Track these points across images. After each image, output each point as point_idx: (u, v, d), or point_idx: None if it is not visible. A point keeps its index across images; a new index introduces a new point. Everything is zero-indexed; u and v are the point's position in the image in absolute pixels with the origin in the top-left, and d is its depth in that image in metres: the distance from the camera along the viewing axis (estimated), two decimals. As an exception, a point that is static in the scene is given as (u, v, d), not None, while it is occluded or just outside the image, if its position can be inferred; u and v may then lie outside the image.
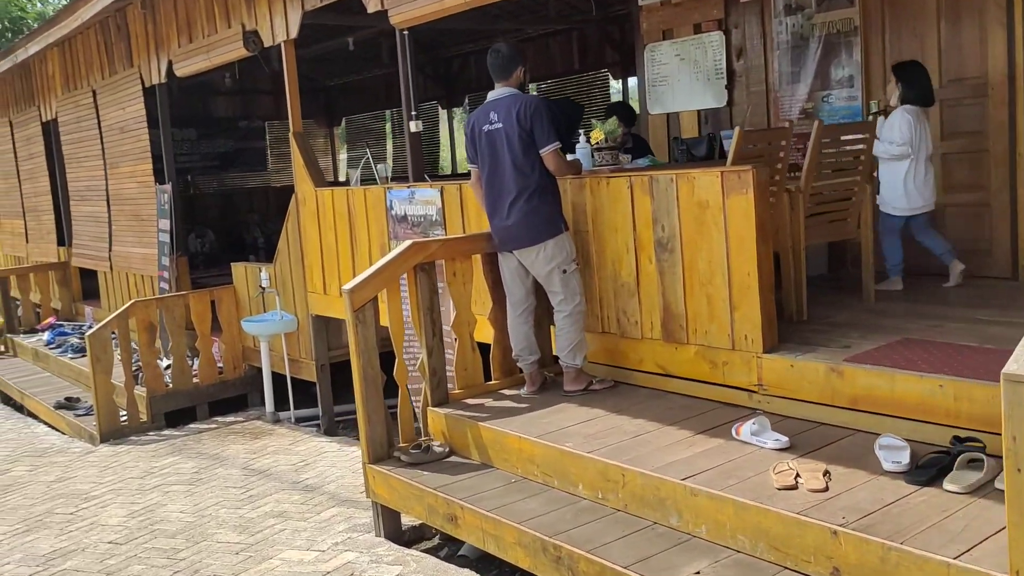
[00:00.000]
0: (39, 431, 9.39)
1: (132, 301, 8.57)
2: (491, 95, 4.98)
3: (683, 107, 7.43)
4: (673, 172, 4.73)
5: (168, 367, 8.73)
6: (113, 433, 8.34)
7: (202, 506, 6.08)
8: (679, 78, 7.36)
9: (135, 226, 10.67)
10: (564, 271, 4.93)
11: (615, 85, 12.66)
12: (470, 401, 5.11)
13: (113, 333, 8.48)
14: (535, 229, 4.88)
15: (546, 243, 4.88)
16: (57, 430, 9.26)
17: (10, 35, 27.71)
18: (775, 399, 4.32)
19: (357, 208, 7.05)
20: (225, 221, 13.45)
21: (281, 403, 8.57)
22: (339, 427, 8.21)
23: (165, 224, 9.71)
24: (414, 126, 6.43)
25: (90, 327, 11.69)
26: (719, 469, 3.75)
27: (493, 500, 4.20)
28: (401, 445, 4.94)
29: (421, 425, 5.13)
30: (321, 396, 7.99)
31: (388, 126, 17.73)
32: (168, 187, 9.64)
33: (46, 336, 11.60)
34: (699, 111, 7.37)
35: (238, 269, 8.90)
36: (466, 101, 15.72)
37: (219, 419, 8.69)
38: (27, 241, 14.14)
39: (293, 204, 7.91)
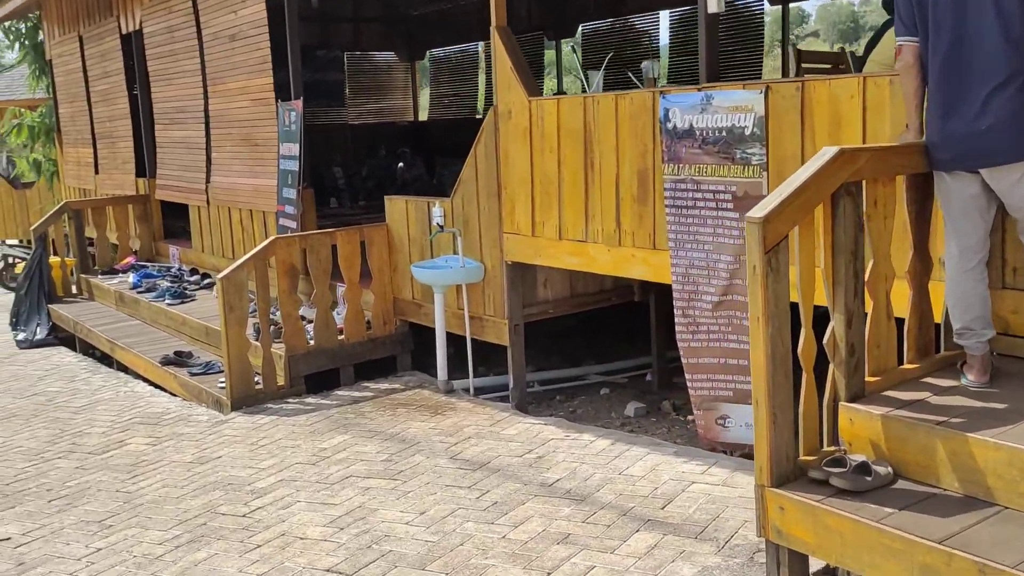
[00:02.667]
0: (141, 390, 7.67)
1: (272, 238, 6.79)
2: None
3: None
4: None
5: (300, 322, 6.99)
6: (246, 399, 6.62)
7: (433, 515, 4.36)
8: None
9: (245, 153, 8.87)
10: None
11: None
12: (894, 394, 3.35)
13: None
14: (1026, 136, 3.11)
15: (1042, 158, 3.12)
16: (165, 390, 7.55)
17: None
18: None
19: (603, 121, 5.25)
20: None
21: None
22: (531, 400, 6.49)
23: (291, 149, 7.90)
24: (713, 4, 4.59)
25: (179, 270, 9.96)
26: None
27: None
28: (806, 459, 3.20)
29: (826, 427, 3.38)
30: (514, 363, 6.24)
31: (482, 61, 15.79)
32: (297, 104, 7.82)
33: (131, 278, 9.84)
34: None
35: (395, 204, 7.10)
36: (579, 31, 13.82)
37: (370, 385, 6.96)
38: (96, 172, 12.34)
39: (489, 121, 6.09)
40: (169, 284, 9.47)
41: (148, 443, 6.11)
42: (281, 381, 6.79)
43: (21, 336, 10.09)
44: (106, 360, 9.32)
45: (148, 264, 10.57)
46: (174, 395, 7.38)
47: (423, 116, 16.74)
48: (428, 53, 16.49)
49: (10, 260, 15.62)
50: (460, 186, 6.44)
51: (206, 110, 9.54)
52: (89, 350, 9.56)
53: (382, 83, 16.10)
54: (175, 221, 11.29)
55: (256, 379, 6.71)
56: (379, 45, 15.92)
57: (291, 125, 7.93)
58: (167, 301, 8.85)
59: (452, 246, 6.56)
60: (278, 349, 6.79)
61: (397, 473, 4.98)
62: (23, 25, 13.99)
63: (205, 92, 9.48)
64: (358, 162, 12.85)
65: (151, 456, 5.80)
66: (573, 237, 5.54)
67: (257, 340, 6.75)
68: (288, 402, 6.68)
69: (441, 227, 6.41)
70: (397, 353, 7.32)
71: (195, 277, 9.66)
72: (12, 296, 14.66)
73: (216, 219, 9.61)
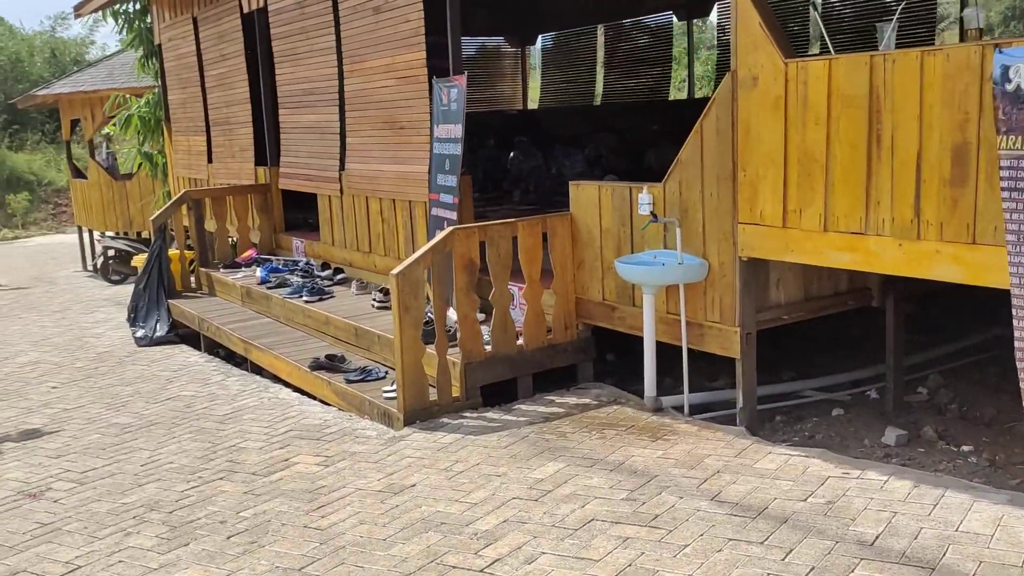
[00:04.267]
0: (287, 397, 6.81)
1: (451, 228, 5.84)
2: None
3: None
4: None
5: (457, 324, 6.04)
6: (419, 412, 5.70)
7: (742, 586, 3.36)
8: None
9: (388, 137, 7.97)
10: None
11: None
12: None
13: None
14: None
15: None
16: (314, 398, 6.69)
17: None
18: None
19: (900, 85, 4.19)
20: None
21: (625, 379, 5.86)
22: (764, 421, 5.45)
23: (450, 131, 6.97)
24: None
25: (308, 264, 9.12)
26: None
27: None
28: None
29: None
30: (744, 378, 5.20)
31: (600, 46, 14.75)
32: (460, 80, 6.88)
33: (259, 272, 9.03)
34: None
35: (583, 191, 6.11)
36: (715, 9, 12.71)
37: (555, 399, 6.00)
38: (209, 161, 11.60)
39: (723, 91, 5.07)
40: (300, 279, 8.63)
41: (318, 463, 5.22)
42: (456, 392, 5.86)
43: (140, 333, 9.36)
44: (231, 358, 8.54)
45: (271, 257, 9.76)
46: (327, 404, 6.50)
47: (532, 104, 15.78)
48: (539, 38, 15.54)
49: (110, 253, 15.07)
50: (677, 169, 5.43)
51: (341, 91, 8.68)
52: (214, 349, 8.78)
53: (491, 70, 15.18)
54: (295, 212, 10.51)
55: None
56: (488, 30, 15.01)
57: (451, 104, 7.00)
58: (304, 298, 7.99)
59: (662, 239, 5.55)
60: (452, 356, 5.87)
61: (652, 518, 3.99)
62: (131, 7, 13.33)
63: (340, 72, 8.62)
64: (466, 152, 11.92)
65: (329, 481, 4.90)
66: (845, 228, 4.49)
67: (429, 345, 5.83)
68: (465, 416, 5.75)
69: (655, 217, 5.39)
70: (578, 362, 6.34)
71: (326, 272, 8.81)
72: (113, 289, 14.10)
73: (350, 209, 8.75)
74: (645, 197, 5.46)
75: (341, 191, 8.82)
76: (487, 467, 4.84)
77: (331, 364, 6.66)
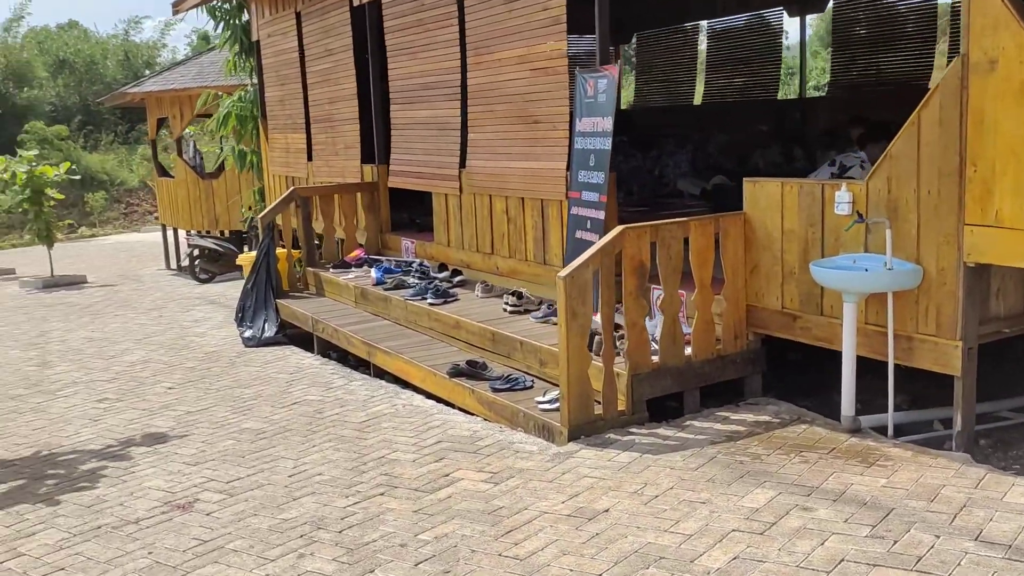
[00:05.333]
0: (422, 405, 6.36)
1: (621, 228, 5.34)
2: None
3: None
4: None
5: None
6: (584, 427, 5.20)
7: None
8: None
9: (520, 132, 7.50)
10: None
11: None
12: None
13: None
14: None
15: None
16: (452, 406, 6.24)
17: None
18: None
19: None
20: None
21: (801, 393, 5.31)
22: (985, 445, 4.86)
23: (597, 124, 6.48)
24: None
25: (422, 265, 8.69)
26: None
27: None
28: None
29: None
30: (964, 398, 4.62)
31: (702, 43, 14.18)
32: (611, 70, 6.40)
33: (373, 273, 8.62)
34: None
35: (762, 188, 5.57)
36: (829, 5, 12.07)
37: (729, 415, 5.45)
38: (309, 159, 11.26)
39: (951, 77, 4.49)
40: (417, 281, 8.20)
41: (484, 480, 4.75)
42: (621, 406, 5.36)
43: (248, 333, 9.01)
44: (343, 360, 8.14)
45: (381, 258, 9.36)
46: (468, 413, 6.04)
47: (623, 104, 15.25)
48: (635, 36, 15.02)
49: (194, 253, 14.85)
50: (885, 164, 4.86)
51: (463, 85, 8.24)
52: (327, 351, 8.40)
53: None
54: (399, 211, 10.11)
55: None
56: (584, 27, 14.52)
57: (599, 95, 6.52)
58: (428, 300, 7.55)
59: (862, 242, 4.99)
60: (618, 367, 5.36)
61: (916, 561, 3.44)
62: (227, 4, 13.08)
63: (463, 65, 8.18)
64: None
65: (505, 501, 4.43)
66: (1115, 231, 3.91)
67: (595, 354, 5.33)
68: (633, 432, 5.24)
69: (860, 217, 4.84)
70: (746, 374, 5.80)
71: (444, 274, 8.37)
72: (202, 288, 13.85)
73: (470, 208, 8.30)
74: (844, 195, 4.92)
75: (460, 189, 8.38)
76: (684, 492, 4.33)
77: (472, 371, 6.20)
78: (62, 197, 16.31)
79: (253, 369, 7.95)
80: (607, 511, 4.19)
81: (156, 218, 35.22)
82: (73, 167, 16.42)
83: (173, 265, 17.71)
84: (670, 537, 3.85)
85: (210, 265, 14.66)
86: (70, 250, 21.81)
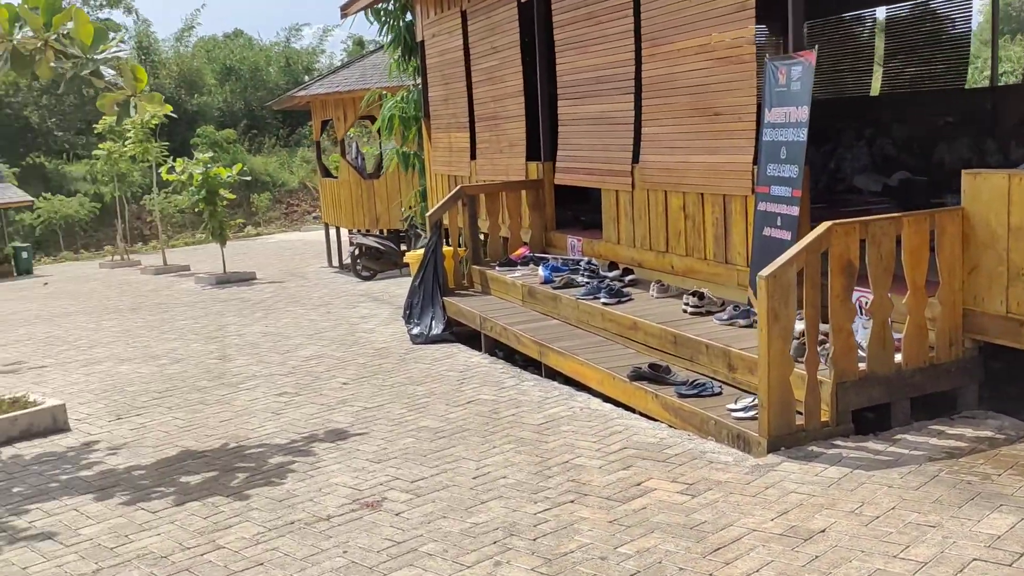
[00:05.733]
0: (600, 408, 6.14)
1: (828, 224, 4.96)
2: None
3: None
4: None
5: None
6: (784, 438, 4.84)
7: None
8: None
9: (699, 125, 7.17)
10: None
11: None
12: None
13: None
14: None
15: None
16: (632, 411, 5.99)
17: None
18: None
19: None
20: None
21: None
22: None
23: (790, 114, 6.07)
24: None
25: (590, 263, 8.48)
26: None
27: None
28: None
29: None
30: None
31: (879, 31, 13.34)
32: (808, 56, 5.99)
33: (541, 271, 8.50)
34: None
35: (987, 181, 5.02)
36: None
37: (942, 429, 4.96)
38: (472, 157, 11.27)
39: None
40: (587, 279, 8.00)
41: (680, 491, 4.48)
42: (825, 416, 4.97)
43: (416, 330, 9.07)
44: (510, 359, 8.04)
45: (547, 256, 9.22)
46: (650, 419, 5.78)
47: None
48: (804, 25, 14.30)
49: (357, 251, 15.19)
50: None
51: (637, 78, 7.98)
52: (494, 349, 8.32)
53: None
54: (561, 209, 9.94)
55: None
56: (759, 15, 13.94)
57: (791, 84, 6.11)
58: (602, 300, 7.34)
59: (1113, 240, 4.42)
60: (822, 374, 4.97)
61: None
62: (391, 5, 13.30)
63: (637, 56, 7.91)
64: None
65: (707, 516, 4.14)
66: None
67: (796, 359, 4.97)
68: (839, 446, 4.84)
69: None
70: (961, 385, 5.28)
71: (614, 273, 8.13)
72: (365, 285, 14.15)
73: (642, 205, 8.02)
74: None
75: (632, 185, 8.12)
76: (908, 513, 3.92)
77: (654, 375, 5.93)
78: (234, 197, 17.06)
79: (423, 366, 7.96)
80: (824, 531, 3.84)
81: (316, 218, 36.59)
82: (245, 168, 17.17)
83: (335, 263, 18.26)
84: (902, 564, 3.47)
85: (372, 263, 14.97)
86: (238, 248, 22.93)
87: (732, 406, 5.28)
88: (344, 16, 12.99)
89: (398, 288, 13.32)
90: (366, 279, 14.87)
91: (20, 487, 5.54)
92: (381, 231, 16.21)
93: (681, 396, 5.60)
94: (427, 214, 9.63)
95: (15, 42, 6.07)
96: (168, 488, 5.28)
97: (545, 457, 5.23)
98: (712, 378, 5.82)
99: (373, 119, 18.18)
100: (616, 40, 8.20)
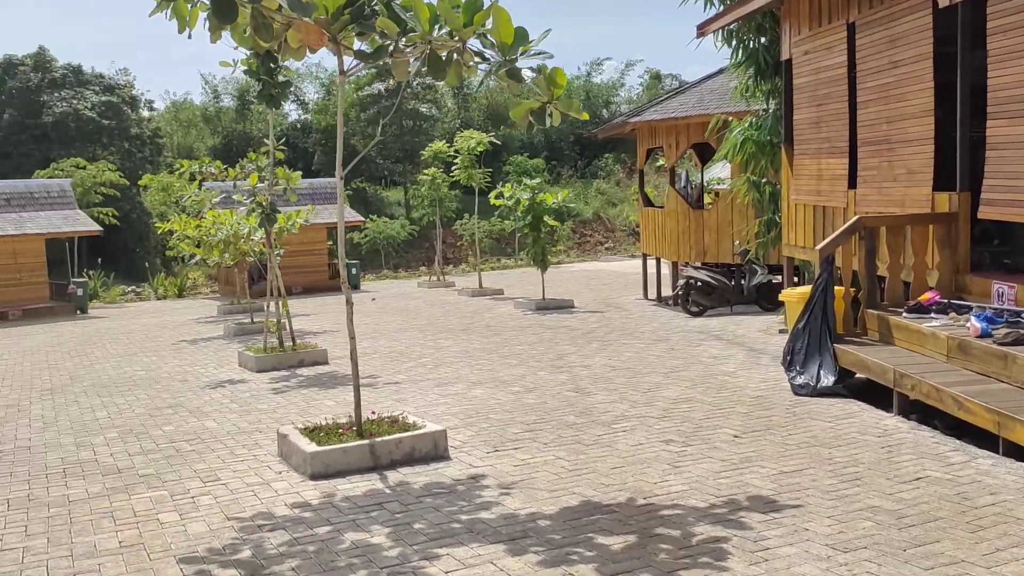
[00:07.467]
0: (1120, 511, 4.62)
1: None
2: None
3: None
4: None
5: None
6: None
7: None
8: None
9: None
10: None
11: None
12: None
13: None
14: None
15: None
16: None
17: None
18: None
19: None
20: None
21: None
22: None
23: None
24: None
25: (1037, 316, 6.78)
26: None
27: None
28: None
29: None
30: None
31: None
32: None
33: (975, 322, 6.97)
34: None
35: None
36: None
37: None
38: (851, 186, 9.89)
39: None
40: (1044, 336, 6.39)
41: None
42: None
43: (800, 380, 7.83)
44: (925, 422, 6.59)
45: (969, 304, 7.64)
46: None
47: None
48: None
49: (684, 285, 14.19)
50: None
51: None
52: (908, 412, 6.91)
53: None
54: (975, 248, 8.29)
55: None
56: None
57: None
58: (1086, 365, 5.73)
59: None
60: None
61: None
62: (746, 25, 12.26)
63: None
64: None
65: None
66: None
67: None
68: None
69: None
70: None
71: (1078, 330, 6.45)
72: (696, 321, 13.12)
73: None
74: None
75: (1109, 223, 6.41)
76: None
77: None
78: (557, 224, 16.74)
79: (824, 424, 6.73)
80: None
81: (608, 248, 36.19)
82: (570, 195, 16.83)
83: (651, 295, 17.42)
84: None
85: (703, 298, 13.91)
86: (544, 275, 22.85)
87: None
88: (701, 35, 12.11)
89: (736, 327, 12.17)
90: (695, 315, 13.83)
91: (420, 523, 5.00)
92: (713, 264, 15.14)
93: None
94: (818, 247, 8.37)
95: (432, 43, 5.69)
96: (587, 550, 4.48)
97: (1093, 579, 3.83)
98: None
99: (701, 147, 17.24)
100: (1095, 43, 6.56)
